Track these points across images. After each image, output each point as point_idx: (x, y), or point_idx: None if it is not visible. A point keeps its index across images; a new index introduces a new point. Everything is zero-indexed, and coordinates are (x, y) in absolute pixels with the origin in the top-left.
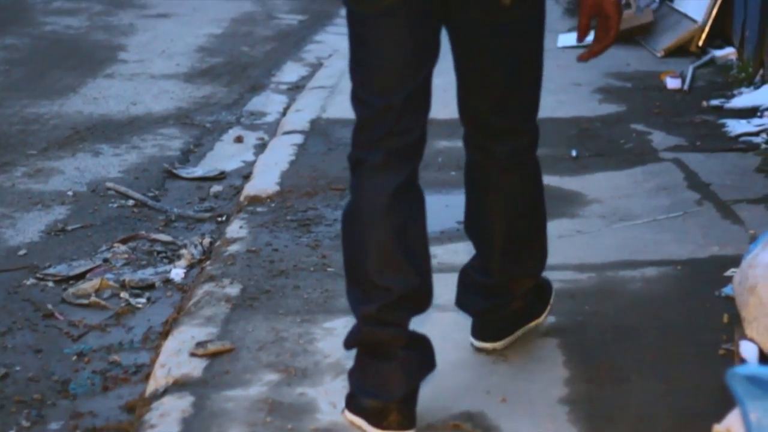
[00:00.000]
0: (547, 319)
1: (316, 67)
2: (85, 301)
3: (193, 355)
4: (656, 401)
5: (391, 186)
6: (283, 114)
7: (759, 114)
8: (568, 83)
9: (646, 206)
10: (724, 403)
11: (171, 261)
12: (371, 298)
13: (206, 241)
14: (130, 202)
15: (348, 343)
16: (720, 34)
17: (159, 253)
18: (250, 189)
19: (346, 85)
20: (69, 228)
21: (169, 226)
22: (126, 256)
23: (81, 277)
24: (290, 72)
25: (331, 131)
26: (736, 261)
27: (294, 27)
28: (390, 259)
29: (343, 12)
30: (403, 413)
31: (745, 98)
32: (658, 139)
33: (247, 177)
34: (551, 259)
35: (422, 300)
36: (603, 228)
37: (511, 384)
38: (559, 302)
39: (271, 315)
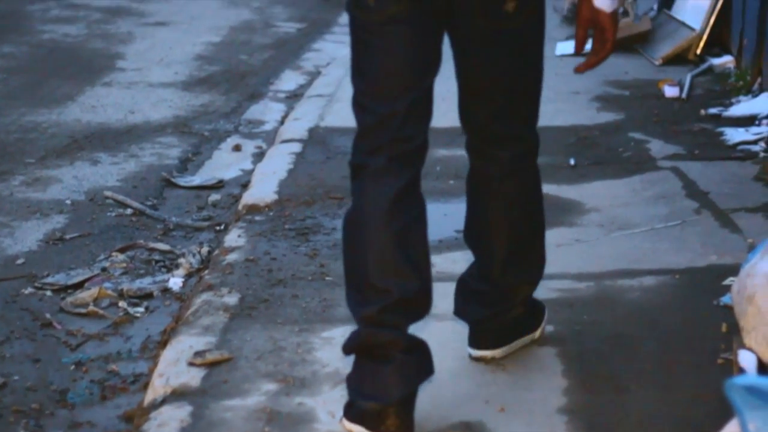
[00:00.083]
0: (545, 329)
1: (314, 75)
2: (84, 311)
3: (191, 364)
4: (655, 411)
5: (393, 191)
6: (282, 122)
7: (757, 122)
8: (567, 91)
9: (645, 215)
10: (723, 413)
11: (169, 270)
12: (371, 300)
13: (204, 250)
14: (129, 211)
15: (346, 348)
16: (718, 42)
17: (157, 262)
18: (248, 198)
19: (345, 94)
20: (67, 237)
21: (167, 235)
22: (124, 265)
23: (79, 286)
24: (288, 80)
25: (329, 140)
26: (734, 270)
27: (292, 35)
28: (390, 262)
29: (341, 20)
30: (401, 417)
31: (743, 106)
32: (657, 147)
33: (245, 186)
34: (549, 268)
35: (422, 304)
36: (601, 237)
37: (509, 393)
38: (557, 311)
39: (270, 324)
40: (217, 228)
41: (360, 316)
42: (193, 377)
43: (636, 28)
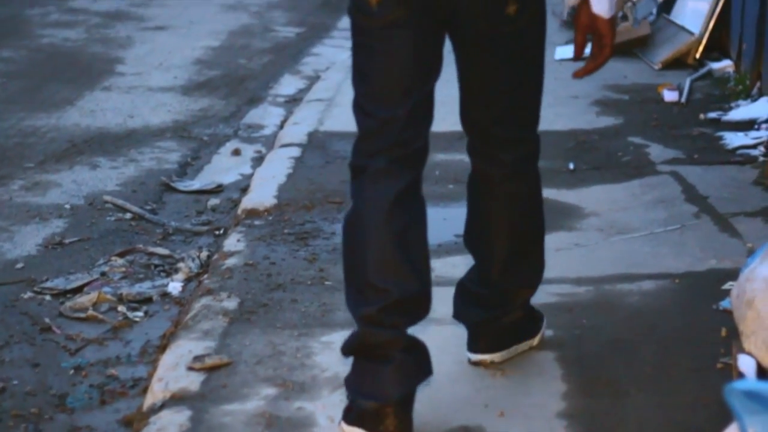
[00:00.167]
0: (543, 336)
1: (313, 79)
2: (83, 315)
3: (190, 369)
4: (654, 415)
5: (393, 192)
6: (281, 127)
7: (756, 127)
8: (566, 96)
9: (644, 219)
10: (722, 417)
11: (168, 274)
12: (370, 300)
13: (204, 254)
14: (128, 216)
15: (345, 349)
16: (717, 46)
17: (156, 266)
18: (247, 202)
19: (344, 98)
20: (66, 241)
21: (166, 240)
22: (123, 269)
23: (78, 290)
24: (288, 85)
25: (328, 144)
26: (733, 274)
27: (291, 40)
28: (390, 262)
29: (340, 24)
30: (399, 417)
31: (742, 111)
32: (656, 151)
33: (244, 190)
34: (549, 273)
35: (421, 306)
36: (600, 241)
37: (508, 398)
38: (556, 316)
39: (269, 329)
40: (217, 232)
41: (359, 315)
42: (193, 382)
43: (635, 33)
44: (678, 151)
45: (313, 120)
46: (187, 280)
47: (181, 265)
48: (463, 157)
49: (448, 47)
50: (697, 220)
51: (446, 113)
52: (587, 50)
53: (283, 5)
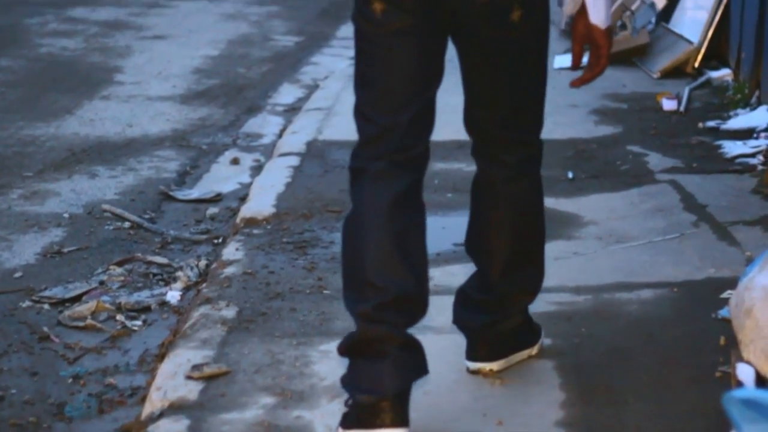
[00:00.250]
0: (542, 344)
1: (312, 88)
2: (81, 324)
3: (189, 377)
4: (652, 424)
5: (393, 193)
6: (280, 136)
7: (755, 135)
8: (565, 105)
9: (643, 228)
10: (721, 426)
11: (167, 283)
12: (368, 297)
13: (202, 263)
14: (127, 225)
15: (342, 348)
16: (716, 55)
17: (155, 275)
18: (246, 211)
19: (343, 107)
20: (65, 250)
21: (165, 249)
22: (122, 278)
23: (77, 299)
24: (286, 94)
25: (327, 153)
26: (732, 283)
27: (290, 49)
28: (388, 261)
29: (339, 34)
30: (396, 411)
31: (741, 119)
32: (655, 160)
33: (243, 199)
34: (547, 281)
35: (418, 306)
36: (599, 250)
37: (507, 407)
38: (555, 324)
39: (267, 338)
40: (215, 241)
41: (357, 312)
42: (191, 391)
43: (634, 42)
44: (677, 160)
45: (311, 129)
46: (186, 289)
47: (179, 274)
48: (462, 166)
49: (448, 55)
50: (696, 229)
51: (446, 121)
52: (585, 59)
53: (283, 14)
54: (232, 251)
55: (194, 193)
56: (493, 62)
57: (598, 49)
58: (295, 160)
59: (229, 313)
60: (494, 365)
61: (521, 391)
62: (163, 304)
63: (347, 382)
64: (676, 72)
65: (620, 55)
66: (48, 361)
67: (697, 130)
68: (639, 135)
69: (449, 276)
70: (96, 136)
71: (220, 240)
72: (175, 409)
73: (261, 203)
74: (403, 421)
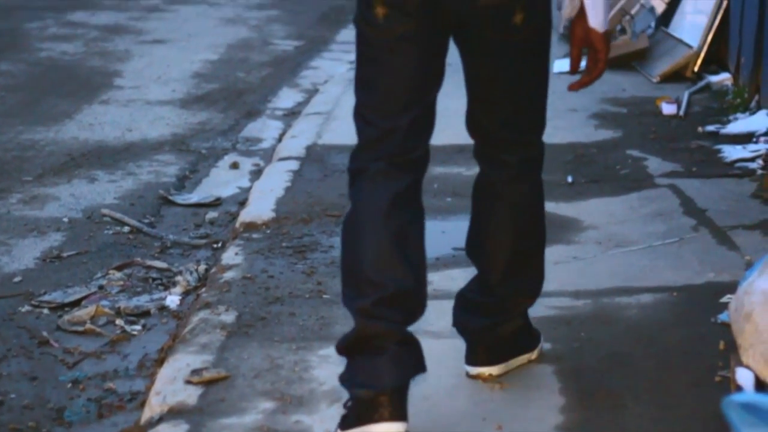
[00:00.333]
0: (542, 348)
1: (311, 93)
2: (81, 329)
3: (188, 382)
4: (652, 428)
5: (392, 192)
6: (279, 140)
7: (754, 140)
8: (564, 109)
9: (642, 232)
10: (720, 430)
11: (166, 288)
12: (367, 293)
13: (202, 267)
14: (126, 229)
15: (340, 346)
16: (715, 59)
17: (154, 279)
18: (245, 215)
19: (342, 112)
20: (64, 255)
21: (164, 253)
22: (121, 283)
23: (76, 304)
24: (286, 98)
25: (326, 157)
26: (732, 287)
27: (290, 53)
28: (387, 258)
29: (338, 38)
30: (394, 405)
31: (740, 124)
32: (654, 165)
33: (242, 203)
34: (547, 286)
35: (416, 304)
36: (599, 254)
37: (506, 411)
38: (554, 329)
39: (267, 342)
40: (215, 246)
41: (355, 308)
42: (190, 395)
43: (633, 46)
44: (676, 164)
45: (311, 133)
46: (185, 294)
47: (179, 278)
48: (462, 170)
49: (448, 58)
50: (696, 233)
51: (445, 125)
52: (583, 63)
53: (282, 19)
54: (231, 256)
55: (194, 197)
56: (495, 64)
57: (596, 53)
58: (294, 165)
59: (229, 317)
60: (494, 370)
61: (521, 395)
62: (163, 308)
63: (346, 378)
64: (676, 76)
65: (620, 59)
66: (47, 365)
67: (697, 135)
68: (638, 139)
69: (449, 280)
70: (95, 141)
71: (220, 244)
72: (174, 413)
73: (260, 208)
74: (402, 416)
